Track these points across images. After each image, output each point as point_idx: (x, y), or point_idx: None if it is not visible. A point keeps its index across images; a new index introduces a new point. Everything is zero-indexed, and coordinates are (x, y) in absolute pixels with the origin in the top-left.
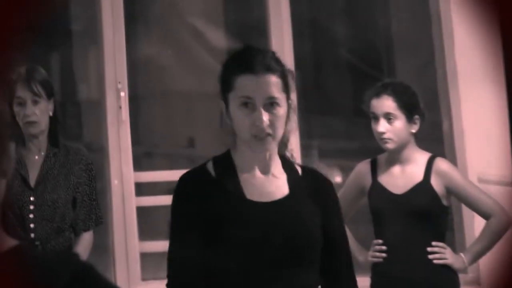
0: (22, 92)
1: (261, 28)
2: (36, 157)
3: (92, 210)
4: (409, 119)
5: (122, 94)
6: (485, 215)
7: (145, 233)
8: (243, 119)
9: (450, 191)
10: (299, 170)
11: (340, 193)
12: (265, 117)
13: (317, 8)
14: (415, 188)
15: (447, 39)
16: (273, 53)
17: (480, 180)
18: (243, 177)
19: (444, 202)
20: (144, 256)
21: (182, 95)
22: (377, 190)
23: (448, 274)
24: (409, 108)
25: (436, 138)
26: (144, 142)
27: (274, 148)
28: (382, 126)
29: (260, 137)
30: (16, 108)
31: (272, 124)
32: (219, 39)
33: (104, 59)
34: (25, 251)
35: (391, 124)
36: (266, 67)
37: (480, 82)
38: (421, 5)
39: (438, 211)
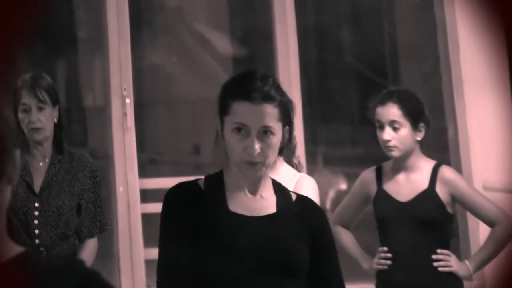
0: (27, 99)
1: (266, 34)
2: (41, 163)
3: (97, 217)
4: (414, 126)
5: (128, 100)
6: (490, 223)
7: (150, 240)
8: (236, 144)
9: (455, 198)
10: (293, 196)
11: (345, 201)
12: (257, 145)
13: (322, 15)
14: (420, 196)
15: (452, 46)
16: (274, 80)
17: (485, 187)
18: (230, 193)
19: (449, 209)
20: (149, 263)
21: (187, 102)
22: (382, 198)
23: (453, 282)
24: (414, 116)
25: (441, 145)
26: (149, 148)
27: (266, 172)
28: (387, 134)
29: (250, 162)
30: (21, 115)
31: (263, 152)
32: (225, 46)
33: (109, 66)
34: (31, 258)
35: (396, 132)
36: (263, 96)
37: (485, 89)
38: (426, 12)
39: (443, 218)
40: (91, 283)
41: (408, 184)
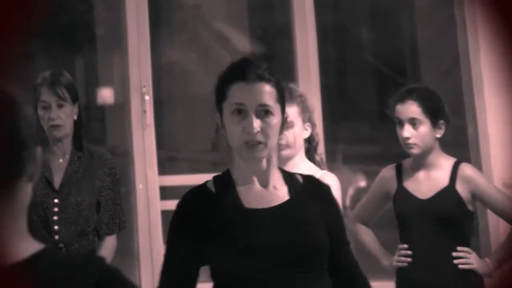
0: (47, 96)
1: (285, 32)
2: (61, 160)
3: (116, 214)
4: (434, 124)
5: (147, 98)
6: (510, 220)
7: None
8: (235, 126)
9: (475, 196)
10: (300, 178)
11: (365, 198)
12: (256, 123)
13: (342, 13)
14: (440, 193)
15: (472, 43)
16: (268, 66)
17: (505, 185)
18: (242, 190)
19: (469, 207)
20: None
21: (206, 99)
22: (402, 195)
23: (473, 279)
24: (434, 113)
25: (461, 143)
26: (168, 146)
27: (271, 159)
28: (407, 131)
29: (251, 144)
30: (40, 112)
31: (264, 131)
32: (244, 44)
33: (128, 63)
34: (51, 255)
35: (416, 129)
36: (259, 76)
37: (505, 87)
38: (446, 10)
39: (463, 216)
40: (111, 280)
41: (428, 181)
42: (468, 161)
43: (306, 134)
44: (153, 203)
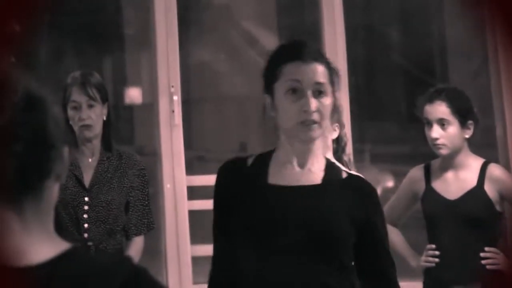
0: (77, 96)
1: (314, 32)
2: (90, 160)
3: (144, 215)
4: (463, 124)
5: (175, 98)
6: None
7: (197, 237)
8: (290, 106)
9: (504, 197)
10: (344, 174)
11: (393, 198)
12: (314, 103)
13: (370, 13)
14: (468, 194)
15: (501, 43)
16: (319, 49)
17: None
18: (274, 167)
19: (498, 207)
20: (196, 260)
21: (234, 99)
22: (431, 196)
23: (501, 279)
24: (463, 114)
25: (490, 143)
26: (196, 146)
27: (318, 145)
28: (436, 132)
29: (307, 123)
30: (70, 112)
31: (319, 112)
32: (272, 44)
33: (157, 63)
34: (78, 254)
35: (445, 129)
36: (314, 57)
37: None
38: (475, 10)
39: (491, 216)
40: (138, 280)
41: (457, 182)
42: (497, 161)
43: (335, 134)
44: (180, 203)
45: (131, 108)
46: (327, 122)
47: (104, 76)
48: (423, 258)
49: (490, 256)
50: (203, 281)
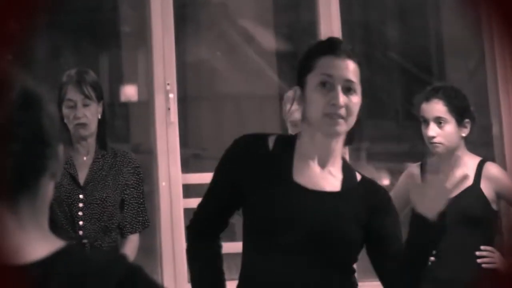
0: (73, 94)
1: (311, 30)
2: (85, 158)
3: (139, 213)
4: (460, 123)
5: (171, 95)
6: None
7: None
8: (319, 98)
9: (500, 195)
10: (358, 176)
11: None
12: (342, 98)
13: (367, 11)
14: (464, 192)
15: (498, 42)
16: (353, 49)
17: None
18: (298, 161)
19: (494, 206)
20: None
21: (231, 97)
22: None
23: (497, 278)
24: (460, 112)
25: (486, 142)
26: (192, 144)
27: (339, 142)
28: (432, 130)
29: (333, 116)
30: (66, 110)
31: (347, 108)
32: (269, 42)
33: (153, 61)
34: (73, 252)
35: (442, 128)
36: (347, 53)
37: None
38: (472, 8)
39: (487, 215)
40: (134, 278)
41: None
42: (493, 160)
43: None
44: (176, 201)
45: (127, 105)
46: (353, 120)
47: (100, 73)
48: None
49: (486, 255)
50: None
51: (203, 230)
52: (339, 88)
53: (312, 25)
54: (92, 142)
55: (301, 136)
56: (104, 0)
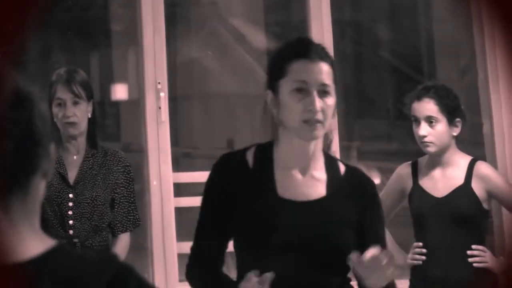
0: (62, 93)
1: (302, 29)
2: (75, 157)
3: (130, 212)
4: (451, 122)
5: (162, 94)
6: None
7: (183, 234)
8: (295, 104)
9: (491, 194)
10: (342, 168)
11: (380, 195)
12: (319, 103)
13: (358, 10)
14: (456, 192)
15: (489, 41)
16: (324, 47)
17: None
18: (279, 174)
19: (485, 205)
20: (182, 257)
21: (222, 96)
22: (418, 193)
23: (488, 277)
24: (451, 111)
25: (477, 141)
26: (183, 142)
27: (318, 144)
28: (424, 129)
29: (311, 122)
30: (55, 109)
31: (323, 112)
32: (260, 41)
33: (144, 60)
34: (65, 251)
35: (433, 127)
36: (320, 55)
37: None
38: (462, 8)
39: (478, 214)
40: (125, 277)
41: (444, 179)
42: (484, 159)
43: None
44: (167, 200)
45: (117, 104)
46: (330, 122)
47: (90, 72)
48: (410, 256)
49: (477, 254)
50: None
51: (203, 263)
52: (315, 93)
53: (303, 24)
54: (82, 141)
55: (279, 142)
56: None
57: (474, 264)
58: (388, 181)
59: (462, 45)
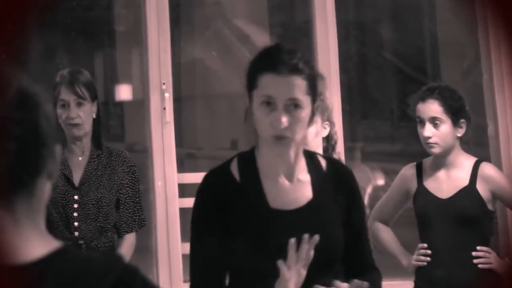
0: (65, 95)
1: (306, 30)
2: (80, 158)
3: (135, 212)
4: (455, 123)
5: (167, 95)
6: None
7: (187, 235)
8: (263, 118)
9: (496, 195)
10: (323, 163)
11: (384, 197)
12: (284, 119)
13: (362, 11)
14: (460, 193)
15: (493, 42)
16: (302, 55)
17: None
18: (267, 184)
19: (490, 206)
20: (187, 258)
21: (226, 97)
22: (422, 194)
23: (493, 279)
24: (455, 112)
25: (482, 142)
26: (187, 143)
27: (298, 151)
28: (428, 130)
29: (278, 138)
30: (59, 111)
31: (291, 126)
32: (264, 41)
33: (148, 60)
34: (69, 253)
35: (437, 128)
36: (291, 68)
37: None
38: (467, 8)
39: (483, 215)
40: (130, 278)
41: (449, 180)
42: (488, 160)
43: (325, 132)
44: (171, 201)
45: (121, 104)
46: (302, 134)
47: (95, 73)
48: (415, 257)
49: (482, 255)
50: None
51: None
52: (281, 110)
53: (307, 24)
54: (87, 142)
55: (260, 149)
56: None
57: (479, 266)
58: (393, 182)
59: (466, 46)
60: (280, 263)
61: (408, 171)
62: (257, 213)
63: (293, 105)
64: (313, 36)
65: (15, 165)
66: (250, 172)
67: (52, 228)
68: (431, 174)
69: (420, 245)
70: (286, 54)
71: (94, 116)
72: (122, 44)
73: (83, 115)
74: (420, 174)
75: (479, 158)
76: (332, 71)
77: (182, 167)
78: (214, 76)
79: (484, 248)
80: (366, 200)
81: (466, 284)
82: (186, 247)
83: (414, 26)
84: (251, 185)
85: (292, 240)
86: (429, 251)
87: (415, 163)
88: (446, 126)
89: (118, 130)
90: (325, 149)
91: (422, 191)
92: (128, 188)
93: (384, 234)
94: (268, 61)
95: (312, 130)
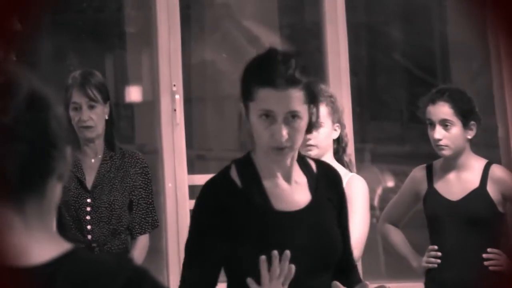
0: (77, 97)
1: (316, 31)
2: (93, 160)
3: (148, 213)
4: (465, 125)
5: (177, 96)
6: None
7: None
8: (262, 130)
9: (506, 197)
10: (313, 165)
11: (394, 198)
12: (284, 131)
13: (372, 13)
14: (471, 195)
15: (503, 43)
16: (297, 62)
17: None
18: (268, 186)
19: (500, 208)
20: None
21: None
22: (433, 196)
23: (503, 281)
24: (466, 114)
25: (492, 144)
26: (198, 145)
27: (295, 154)
28: (439, 133)
29: (278, 149)
30: (71, 113)
31: (290, 137)
32: (274, 43)
33: (159, 62)
34: (80, 255)
35: (448, 130)
36: (288, 81)
37: None
38: (476, 10)
39: (494, 217)
40: (140, 280)
41: (459, 182)
42: (499, 162)
43: (335, 134)
44: (182, 202)
45: (131, 106)
46: (300, 141)
47: (105, 74)
48: (425, 259)
49: (492, 257)
50: None
51: None
52: (281, 123)
53: (317, 26)
54: (100, 143)
55: (257, 152)
56: (109, 1)
57: (490, 268)
58: (403, 184)
59: (476, 48)
60: (249, 282)
61: (418, 173)
62: (262, 216)
63: (292, 117)
64: (323, 38)
65: (25, 166)
66: (251, 177)
67: (65, 231)
68: (442, 176)
69: (430, 247)
70: (282, 64)
71: (107, 117)
72: (132, 45)
73: (95, 117)
74: (430, 176)
75: (490, 160)
76: (342, 72)
77: (192, 168)
78: (224, 78)
79: (494, 250)
80: (376, 201)
81: (476, 286)
82: None
83: (424, 28)
84: (253, 189)
85: (263, 257)
86: (439, 253)
87: (425, 164)
88: (456, 128)
89: (128, 132)
90: (336, 151)
91: (432, 193)
92: (141, 190)
93: (394, 236)
94: (265, 75)
95: (323, 132)
